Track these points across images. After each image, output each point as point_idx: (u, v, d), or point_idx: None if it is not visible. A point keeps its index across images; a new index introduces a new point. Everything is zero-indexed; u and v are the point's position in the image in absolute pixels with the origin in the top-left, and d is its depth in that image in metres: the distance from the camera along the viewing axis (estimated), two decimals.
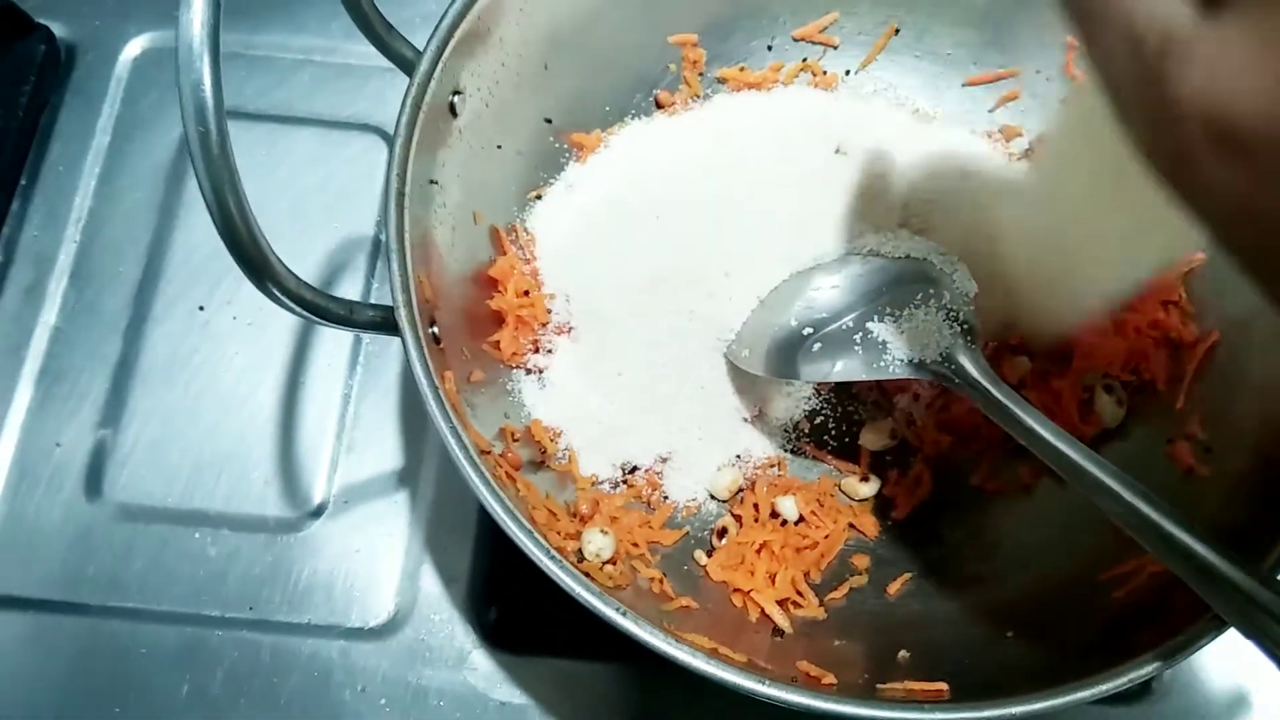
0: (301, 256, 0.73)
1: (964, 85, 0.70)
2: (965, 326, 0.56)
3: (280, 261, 0.44)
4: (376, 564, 0.65)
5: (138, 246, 0.73)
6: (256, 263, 0.43)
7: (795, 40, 0.71)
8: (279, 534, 0.66)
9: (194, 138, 0.39)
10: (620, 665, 0.62)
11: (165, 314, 0.71)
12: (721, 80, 0.71)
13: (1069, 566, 0.58)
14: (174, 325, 0.71)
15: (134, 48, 0.79)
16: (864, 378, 0.57)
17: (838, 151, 0.67)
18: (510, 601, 0.64)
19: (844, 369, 0.57)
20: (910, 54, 0.70)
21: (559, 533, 0.54)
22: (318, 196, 0.76)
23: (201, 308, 0.71)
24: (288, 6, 0.81)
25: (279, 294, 0.45)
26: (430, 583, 0.65)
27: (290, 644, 0.63)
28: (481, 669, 0.63)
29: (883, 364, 0.56)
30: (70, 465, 0.67)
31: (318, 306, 0.47)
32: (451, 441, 0.48)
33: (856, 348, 0.57)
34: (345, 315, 0.48)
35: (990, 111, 0.70)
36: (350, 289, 0.73)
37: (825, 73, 0.71)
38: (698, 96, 0.70)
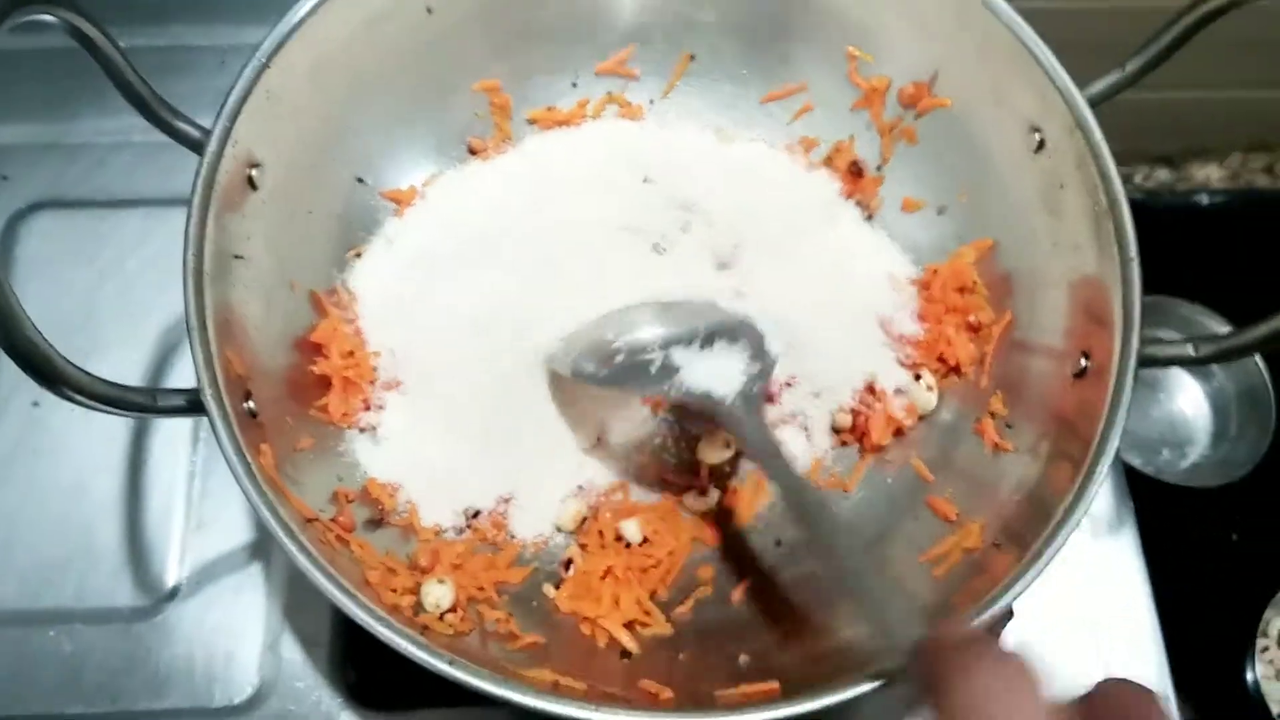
0: (135, 338, 0.73)
1: (761, 102, 0.73)
2: (755, 378, 0.59)
3: (67, 361, 0.45)
4: (236, 639, 0.65)
5: None
6: (42, 368, 0.44)
7: (598, 75, 0.73)
8: (134, 622, 0.65)
9: None
10: (490, 708, 0.63)
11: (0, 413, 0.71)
12: (532, 121, 0.73)
13: (895, 554, 0.60)
14: (9, 424, 0.70)
15: None
16: (649, 394, 0.61)
17: (646, 180, 0.69)
18: (373, 659, 0.65)
19: (637, 385, 0.59)
20: (708, 78, 0.73)
21: (395, 589, 0.55)
22: (148, 276, 0.76)
23: (36, 403, 0.71)
24: (99, 91, 0.80)
25: (71, 393, 0.45)
26: (292, 651, 0.65)
27: None
28: None
29: (671, 385, 0.58)
30: None
31: (116, 399, 0.47)
32: (266, 515, 0.49)
33: (654, 367, 0.59)
34: (148, 403, 0.49)
35: (788, 124, 0.73)
36: (186, 366, 0.72)
37: (631, 104, 0.73)
38: (509, 139, 0.72)
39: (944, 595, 0.56)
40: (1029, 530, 0.54)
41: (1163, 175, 1.17)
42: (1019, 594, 0.50)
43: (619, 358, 0.60)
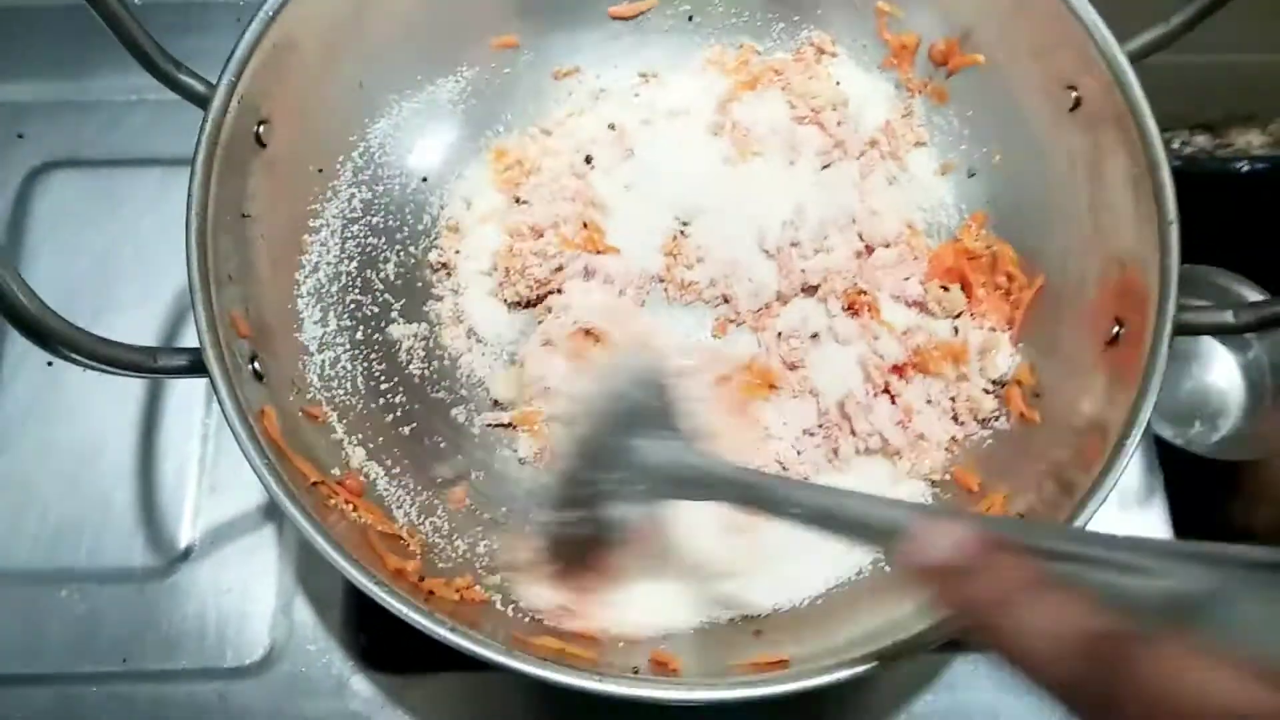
0: (150, 298, 0.72)
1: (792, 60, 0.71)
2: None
3: (63, 320, 0.44)
4: (248, 601, 0.65)
5: None
6: (37, 327, 0.43)
7: (612, 18, 0.71)
8: (147, 582, 0.65)
9: None
10: (501, 673, 0.62)
11: (14, 373, 0.71)
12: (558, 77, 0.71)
13: None
14: (23, 384, 0.70)
15: None
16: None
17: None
18: (384, 624, 0.64)
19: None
20: (729, 27, 0.71)
21: (400, 553, 0.54)
22: (163, 235, 0.75)
23: (50, 363, 0.70)
24: (114, 48, 0.79)
25: (67, 352, 0.44)
26: (304, 613, 0.65)
27: (166, 692, 0.63)
28: (363, 694, 0.63)
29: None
30: None
31: (114, 358, 0.46)
32: (267, 478, 0.48)
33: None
34: (147, 363, 0.48)
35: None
36: None
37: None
38: None
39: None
40: (1054, 504, 0.52)
41: (1201, 141, 1.13)
42: None
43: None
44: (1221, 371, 1.04)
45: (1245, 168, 1.13)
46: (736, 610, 0.56)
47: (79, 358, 0.45)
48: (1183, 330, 0.52)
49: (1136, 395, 0.51)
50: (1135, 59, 0.56)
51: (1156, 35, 0.57)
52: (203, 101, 0.55)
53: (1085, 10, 0.58)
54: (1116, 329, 0.55)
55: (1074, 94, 0.59)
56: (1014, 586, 0.33)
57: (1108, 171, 0.57)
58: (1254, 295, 1.01)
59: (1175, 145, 1.14)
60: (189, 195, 0.53)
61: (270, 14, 0.56)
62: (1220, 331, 0.53)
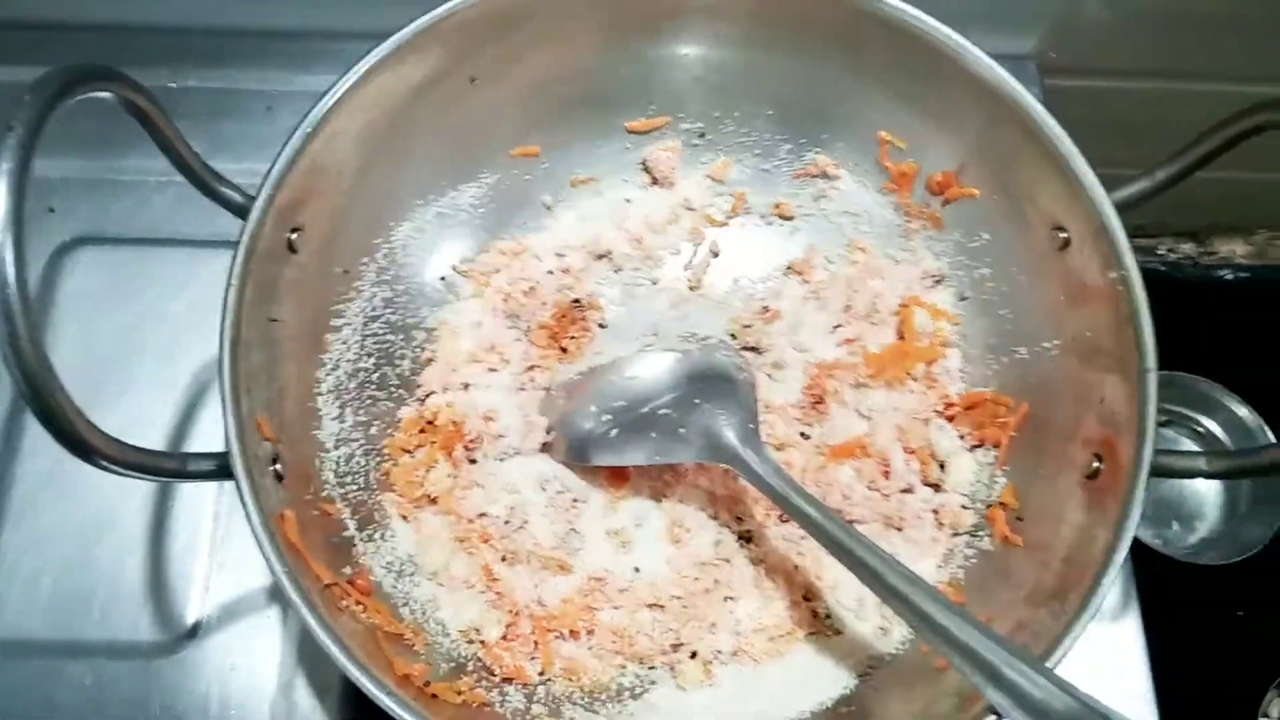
0: (171, 380, 0.75)
1: (793, 177, 0.74)
2: (753, 420, 0.61)
3: (101, 433, 0.47)
4: (252, 680, 0.67)
5: (2, 382, 0.74)
6: (79, 443, 0.45)
7: (629, 131, 0.74)
8: (154, 658, 0.67)
9: (3, 338, 0.41)
10: None
11: (34, 448, 0.73)
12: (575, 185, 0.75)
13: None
14: (42, 459, 0.72)
15: None
16: (654, 461, 0.62)
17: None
18: (381, 711, 0.66)
19: (635, 454, 0.62)
20: (740, 147, 0.75)
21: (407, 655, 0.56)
22: (187, 316, 0.77)
23: None
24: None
25: (106, 464, 0.47)
26: (304, 696, 0.66)
27: None
28: None
29: (674, 450, 0.60)
30: None
31: (148, 466, 0.49)
32: (287, 585, 0.50)
33: (652, 434, 0.61)
34: (179, 469, 0.51)
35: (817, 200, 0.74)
36: (217, 407, 0.74)
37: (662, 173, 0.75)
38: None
39: (946, 688, 0.57)
40: (1037, 632, 0.54)
41: (1186, 248, 1.17)
42: None
43: (610, 431, 0.62)
44: None
45: (1229, 275, 1.18)
46: None
47: (117, 468, 0.47)
48: (1158, 473, 0.55)
49: (1112, 536, 0.54)
50: (1122, 209, 0.60)
51: (1142, 187, 0.60)
52: (241, 211, 0.58)
53: (1074, 159, 0.61)
54: (1096, 464, 0.58)
55: (1063, 235, 0.62)
56: None
57: (1092, 311, 0.61)
58: (1233, 404, 1.04)
59: (1160, 251, 1.19)
60: (224, 305, 0.55)
61: (309, 130, 0.59)
62: (1194, 476, 0.56)
